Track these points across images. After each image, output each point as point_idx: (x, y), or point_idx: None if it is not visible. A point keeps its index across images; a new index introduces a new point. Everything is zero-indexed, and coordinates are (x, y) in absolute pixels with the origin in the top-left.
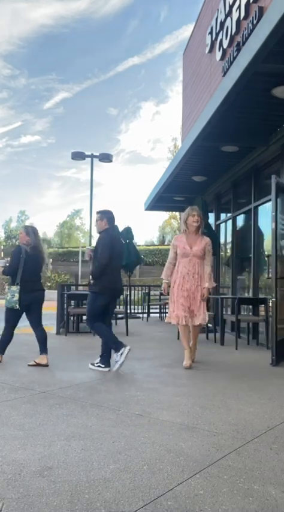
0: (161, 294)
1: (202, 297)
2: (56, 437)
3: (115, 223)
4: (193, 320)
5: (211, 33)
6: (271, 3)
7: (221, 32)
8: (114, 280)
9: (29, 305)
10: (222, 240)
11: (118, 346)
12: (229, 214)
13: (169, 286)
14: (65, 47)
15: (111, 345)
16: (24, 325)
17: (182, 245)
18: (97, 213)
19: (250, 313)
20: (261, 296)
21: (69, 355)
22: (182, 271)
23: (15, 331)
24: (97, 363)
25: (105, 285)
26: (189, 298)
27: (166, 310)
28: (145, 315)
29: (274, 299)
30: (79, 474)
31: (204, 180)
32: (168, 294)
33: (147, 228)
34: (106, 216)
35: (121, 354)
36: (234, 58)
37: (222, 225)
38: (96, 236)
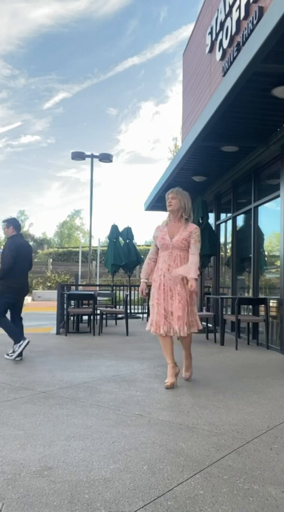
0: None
1: (191, 290)
2: (56, 437)
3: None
4: (175, 330)
5: (211, 33)
6: (271, 3)
7: (221, 32)
8: (19, 280)
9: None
10: (222, 240)
11: (18, 338)
12: (229, 214)
13: (149, 286)
14: (64, 47)
15: (12, 337)
16: (23, 325)
17: (161, 235)
18: (3, 221)
19: (250, 313)
20: (261, 296)
21: (69, 355)
22: (162, 268)
23: None
24: (11, 353)
25: (10, 285)
26: (171, 301)
27: None
28: (145, 315)
29: None
30: (79, 474)
31: (204, 180)
32: (148, 295)
33: (147, 228)
34: (12, 223)
35: (20, 345)
36: (234, 58)
37: (222, 225)
38: (96, 236)
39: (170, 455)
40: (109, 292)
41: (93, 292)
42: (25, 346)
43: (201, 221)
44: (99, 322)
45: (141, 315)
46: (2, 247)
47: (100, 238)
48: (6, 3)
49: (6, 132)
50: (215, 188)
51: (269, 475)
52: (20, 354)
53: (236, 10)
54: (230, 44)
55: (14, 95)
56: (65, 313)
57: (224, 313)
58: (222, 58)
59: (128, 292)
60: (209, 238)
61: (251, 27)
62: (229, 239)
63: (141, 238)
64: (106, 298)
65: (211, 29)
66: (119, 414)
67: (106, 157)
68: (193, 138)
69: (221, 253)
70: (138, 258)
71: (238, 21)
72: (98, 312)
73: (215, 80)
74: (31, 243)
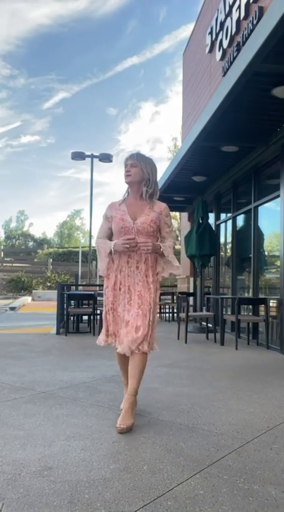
0: (161, 294)
1: (145, 247)
2: (56, 437)
3: None
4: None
5: (211, 33)
6: (271, 3)
7: (221, 32)
8: None
9: None
10: (222, 240)
11: None
12: (229, 214)
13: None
14: (64, 46)
15: None
16: (23, 325)
17: (119, 216)
18: None
19: (250, 313)
20: (261, 296)
21: (69, 355)
22: (120, 261)
23: (15, 331)
24: None
25: None
26: (128, 307)
27: (166, 310)
28: None
29: None
30: (79, 474)
31: (204, 180)
32: None
33: None
34: None
35: None
36: (234, 58)
37: (222, 225)
38: (96, 236)
39: (170, 455)
40: None
41: (93, 292)
42: None
43: (201, 221)
44: (99, 322)
45: None
46: (2, 247)
47: None
48: (5, 3)
49: (6, 132)
50: (215, 188)
51: (269, 475)
52: None
53: (236, 10)
54: (230, 44)
55: (13, 94)
56: (65, 313)
57: (224, 313)
58: (222, 58)
59: None
60: (209, 238)
61: (251, 27)
62: (229, 239)
63: None
64: None
65: (211, 29)
66: (119, 414)
67: (106, 157)
68: (193, 138)
69: (221, 253)
70: None
71: (238, 21)
72: (98, 312)
73: (215, 80)
74: (31, 243)
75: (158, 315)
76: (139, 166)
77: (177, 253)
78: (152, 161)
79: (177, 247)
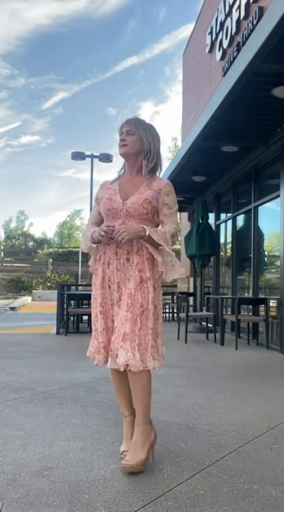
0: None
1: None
2: (56, 437)
3: None
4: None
5: (211, 33)
6: (271, 3)
7: (221, 32)
8: None
9: None
10: (222, 240)
11: None
12: (229, 214)
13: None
14: (63, 46)
15: None
16: (23, 325)
17: (108, 195)
18: None
19: (250, 313)
20: (261, 296)
21: (69, 355)
22: (107, 252)
23: (15, 331)
24: None
25: None
26: (117, 309)
27: (166, 310)
28: None
29: None
30: (79, 474)
31: (204, 180)
32: None
33: None
34: None
35: None
36: (234, 58)
37: (222, 225)
38: None
39: (170, 455)
40: None
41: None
42: None
43: (201, 221)
44: None
45: None
46: (2, 247)
47: None
48: (5, 2)
49: (6, 132)
50: (215, 188)
51: (269, 475)
52: None
53: (236, 10)
54: (230, 44)
55: (13, 94)
56: (65, 313)
57: (224, 313)
58: (222, 58)
59: None
60: (209, 238)
61: (251, 27)
62: (229, 239)
63: None
64: None
65: (211, 29)
66: (119, 414)
67: (106, 158)
68: (193, 138)
69: (221, 253)
70: None
71: (238, 21)
72: None
73: (215, 80)
74: (31, 243)
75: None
76: (138, 134)
77: (176, 253)
78: (153, 127)
79: (177, 247)
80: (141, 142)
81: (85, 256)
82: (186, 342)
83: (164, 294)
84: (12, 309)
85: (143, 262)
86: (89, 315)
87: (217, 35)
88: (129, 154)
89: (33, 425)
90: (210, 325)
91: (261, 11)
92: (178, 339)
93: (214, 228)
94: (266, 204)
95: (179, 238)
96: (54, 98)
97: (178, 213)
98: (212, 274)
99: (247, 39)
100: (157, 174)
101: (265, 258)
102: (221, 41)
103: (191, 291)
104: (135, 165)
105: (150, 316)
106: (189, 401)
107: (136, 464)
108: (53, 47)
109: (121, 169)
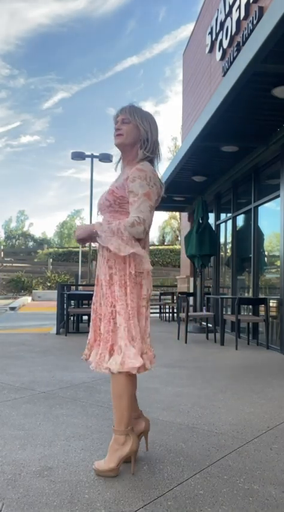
0: (161, 294)
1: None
2: (56, 437)
3: None
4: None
5: (211, 33)
6: (271, 3)
7: (221, 32)
8: None
9: None
10: (222, 240)
11: None
12: (229, 214)
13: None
14: (63, 46)
15: None
16: (23, 325)
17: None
18: None
19: (250, 313)
20: (261, 296)
21: (69, 355)
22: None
23: (15, 331)
24: None
25: None
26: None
27: (166, 310)
28: None
29: None
30: (79, 474)
31: (204, 180)
32: None
33: None
34: None
35: None
36: (234, 58)
37: (222, 225)
38: None
39: (170, 455)
40: None
41: (93, 292)
42: None
43: (201, 221)
44: None
45: None
46: (2, 247)
47: None
48: (5, 2)
49: (6, 132)
50: (215, 188)
51: (269, 475)
52: None
53: (236, 10)
54: (230, 44)
55: (13, 94)
56: (65, 313)
57: (224, 313)
58: (222, 58)
59: None
60: (209, 238)
61: (251, 27)
62: (229, 239)
63: None
64: None
65: (211, 29)
66: None
67: (106, 158)
68: (193, 138)
69: (221, 253)
70: None
71: (238, 21)
72: None
73: (215, 80)
74: (31, 243)
75: (146, 319)
76: (134, 123)
77: (176, 253)
78: (150, 115)
79: (177, 246)
80: (137, 131)
81: (86, 256)
82: (186, 342)
83: (164, 294)
84: (12, 309)
85: (110, 256)
86: (89, 315)
87: (217, 35)
88: (124, 145)
89: (33, 425)
90: (210, 325)
91: (261, 11)
92: (178, 339)
93: (214, 228)
94: (266, 204)
95: (145, 226)
96: (54, 98)
97: (178, 213)
98: (212, 274)
99: (247, 39)
100: (156, 164)
101: (265, 258)
102: (221, 41)
103: (191, 291)
104: (130, 155)
105: (113, 317)
106: (189, 401)
107: (103, 470)
108: (53, 47)
109: (119, 161)
